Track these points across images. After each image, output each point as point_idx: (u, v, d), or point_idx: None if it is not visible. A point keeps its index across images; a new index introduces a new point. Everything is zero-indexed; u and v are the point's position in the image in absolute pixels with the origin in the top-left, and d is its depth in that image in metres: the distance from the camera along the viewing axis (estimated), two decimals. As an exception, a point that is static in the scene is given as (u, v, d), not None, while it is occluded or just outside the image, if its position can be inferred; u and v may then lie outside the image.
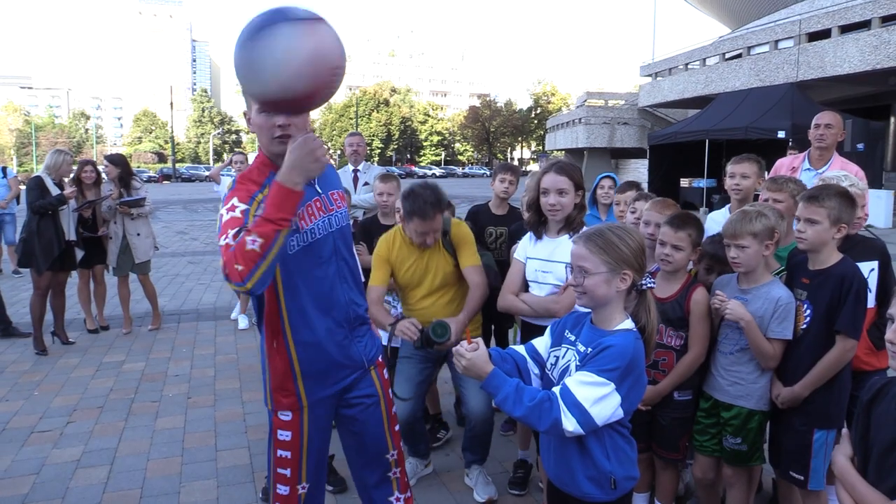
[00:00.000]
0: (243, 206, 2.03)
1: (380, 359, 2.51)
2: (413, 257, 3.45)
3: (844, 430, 1.90)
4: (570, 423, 1.85)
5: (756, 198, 3.51)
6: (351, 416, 2.42)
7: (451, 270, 3.45)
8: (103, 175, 6.77)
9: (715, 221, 3.34)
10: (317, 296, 2.23)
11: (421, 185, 3.28)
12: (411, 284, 3.50)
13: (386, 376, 2.55)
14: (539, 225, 3.12)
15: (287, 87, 1.86)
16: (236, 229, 1.97)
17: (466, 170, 79.17)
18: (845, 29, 22.50)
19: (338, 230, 2.30)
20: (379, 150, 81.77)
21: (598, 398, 1.85)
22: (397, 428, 2.55)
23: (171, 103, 61.50)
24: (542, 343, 2.19)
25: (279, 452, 2.32)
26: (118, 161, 6.80)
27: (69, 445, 4.19)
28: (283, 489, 2.33)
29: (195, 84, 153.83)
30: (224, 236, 1.98)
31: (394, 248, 3.47)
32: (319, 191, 2.26)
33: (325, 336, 2.26)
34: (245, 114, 2.20)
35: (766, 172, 3.93)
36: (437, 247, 3.42)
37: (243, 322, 7.09)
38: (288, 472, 2.32)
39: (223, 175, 7.67)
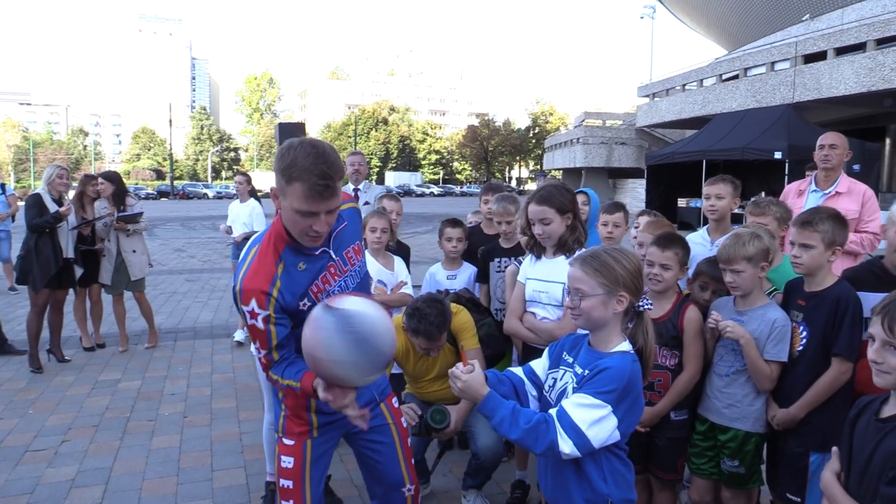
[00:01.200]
0: (263, 314, 2.11)
1: (389, 392, 2.55)
2: (418, 355, 3.47)
3: (834, 448, 1.92)
4: (566, 446, 1.85)
5: (735, 218, 3.57)
6: (366, 449, 2.47)
7: (454, 359, 3.44)
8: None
9: (694, 243, 3.34)
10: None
11: (427, 302, 3.24)
12: (419, 375, 3.56)
13: (396, 405, 2.58)
14: (535, 246, 3.14)
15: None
16: (265, 351, 2.16)
17: (464, 188, 79.34)
18: (841, 51, 22.73)
19: (355, 288, 2.33)
20: (377, 169, 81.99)
21: (595, 420, 1.85)
22: (413, 461, 2.57)
23: (170, 120, 61.69)
24: (539, 365, 2.19)
25: (282, 482, 2.34)
26: (114, 178, 6.82)
27: (64, 465, 4.16)
28: None
29: (194, 101, 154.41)
30: (255, 346, 2.19)
31: (397, 344, 3.49)
32: (334, 256, 2.26)
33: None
34: (273, 190, 2.12)
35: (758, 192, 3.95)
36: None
37: (240, 335, 7.08)
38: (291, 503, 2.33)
39: (234, 202, 7.54)
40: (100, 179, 6.74)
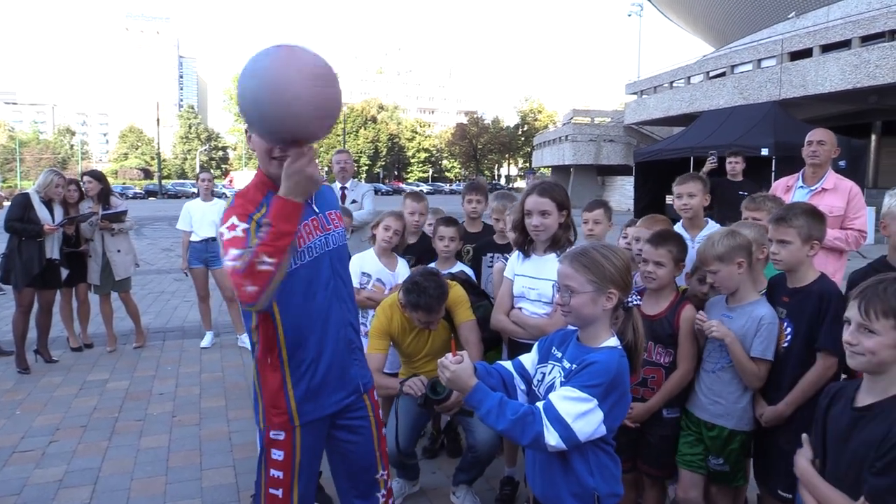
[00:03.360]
0: (244, 225, 2.07)
1: (372, 385, 2.55)
2: (414, 331, 3.50)
3: (805, 435, 1.95)
4: (552, 438, 1.86)
5: (706, 210, 3.71)
6: (342, 438, 2.44)
7: (447, 334, 3.48)
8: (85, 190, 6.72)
9: None
10: (313, 314, 2.24)
11: (424, 276, 3.27)
12: (413, 354, 3.59)
13: (376, 398, 2.57)
14: (526, 244, 3.15)
15: (289, 132, 1.94)
16: (240, 250, 1.99)
17: (454, 187, 79.37)
18: (826, 48, 22.89)
19: (334, 249, 2.32)
20: (366, 168, 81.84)
21: (581, 413, 1.86)
22: (386, 448, 2.57)
23: (158, 119, 61.22)
24: (528, 359, 2.21)
25: (272, 472, 2.32)
26: (100, 177, 6.77)
27: (52, 465, 4.13)
28: None
29: (182, 100, 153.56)
30: (227, 256, 2.00)
31: (393, 321, 3.50)
32: (317, 210, 2.28)
33: (319, 355, 2.28)
34: (246, 131, 2.25)
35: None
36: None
37: (207, 340, 7.04)
38: (280, 492, 2.31)
39: (195, 202, 7.29)
40: (85, 178, 6.69)
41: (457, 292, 3.51)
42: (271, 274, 1.94)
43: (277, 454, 2.32)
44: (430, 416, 3.71)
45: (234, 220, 2.08)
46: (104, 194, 6.67)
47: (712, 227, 3.61)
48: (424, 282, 3.22)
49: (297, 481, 2.33)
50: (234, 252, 2.00)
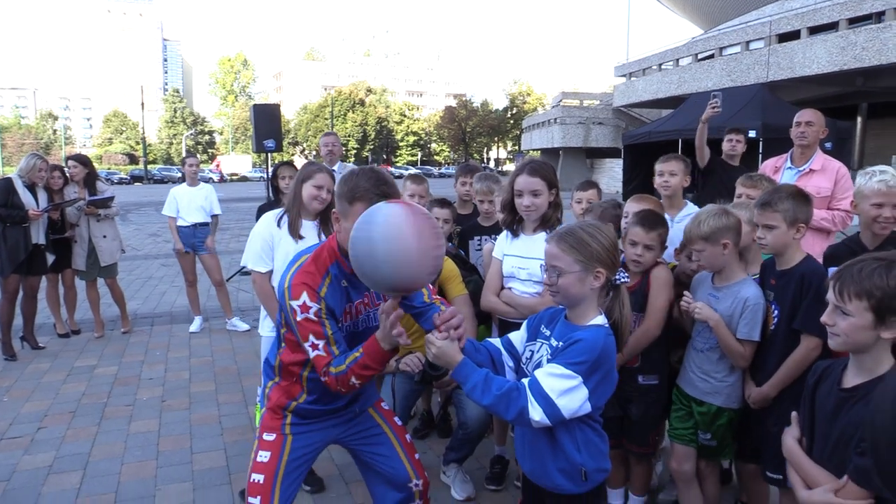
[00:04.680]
0: (316, 307, 2.14)
1: (377, 398, 2.61)
2: None
3: (794, 414, 1.97)
4: (536, 413, 1.88)
5: (688, 190, 3.75)
6: (365, 457, 2.52)
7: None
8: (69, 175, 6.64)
9: None
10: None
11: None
12: (405, 328, 3.55)
13: (386, 408, 2.63)
14: (515, 224, 3.14)
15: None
16: (323, 341, 2.14)
17: (443, 170, 79.14)
18: (814, 30, 22.91)
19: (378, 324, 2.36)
20: (355, 151, 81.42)
21: (565, 390, 1.88)
22: (417, 456, 2.58)
23: (142, 103, 60.56)
24: (517, 337, 2.22)
25: (253, 477, 2.33)
26: (85, 161, 6.70)
27: (40, 451, 4.12)
28: None
29: (167, 84, 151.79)
30: (307, 339, 2.15)
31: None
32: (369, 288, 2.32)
33: (329, 408, 2.41)
34: (334, 213, 2.28)
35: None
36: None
37: (196, 325, 7.02)
38: (258, 501, 2.30)
39: (181, 187, 7.16)
40: (70, 162, 6.61)
41: (448, 266, 3.51)
42: (356, 388, 2.16)
43: (263, 455, 2.34)
44: (420, 394, 3.73)
45: (305, 298, 2.14)
46: (90, 179, 6.60)
47: (690, 208, 3.64)
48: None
49: (279, 488, 2.32)
50: (314, 340, 2.15)
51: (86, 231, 6.56)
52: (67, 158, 6.82)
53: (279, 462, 2.32)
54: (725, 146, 5.69)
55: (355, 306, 2.29)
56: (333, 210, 2.26)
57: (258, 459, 2.34)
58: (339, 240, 2.25)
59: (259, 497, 2.29)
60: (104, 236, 6.65)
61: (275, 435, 2.34)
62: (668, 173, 3.64)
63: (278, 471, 2.31)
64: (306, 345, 2.14)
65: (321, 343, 2.14)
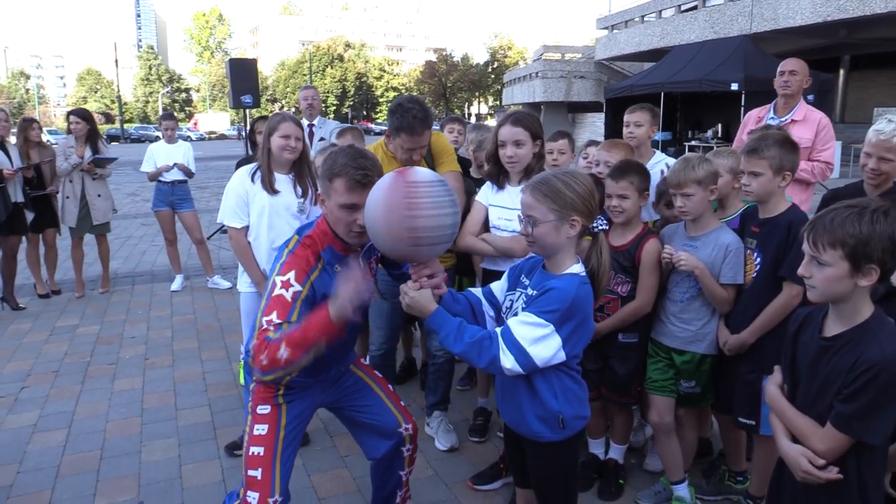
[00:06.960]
0: (297, 288, 2.11)
1: (355, 357, 2.63)
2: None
3: (777, 367, 1.99)
4: (507, 361, 1.90)
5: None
6: (353, 411, 2.54)
7: None
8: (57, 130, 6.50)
9: None
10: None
11: (408, 100, 3.22)
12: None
13: (365, 361, 2.67)
14: (499, 176, 3.13)
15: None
16: (280, 322, 2.04)
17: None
18: (797, -20, 22.66)
19: None
20: (335, 107, 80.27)
21: (537, 339, 1.90)
22: (403, 403, 2.61)
23: (116, 61, 58.95)
24: (498, 287, 2.23)
25: (252, 450, 2.30)
26: (87, 116, 6.54)
27: (25, 410, 4.13)
28: (252, 497, 2.26)
29: (141, 41, 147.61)
30: (266, 315, 2.06)
31: None
32: (362, 264, 2.32)
33: (314, 377, 2.39)
34: (319, 196, 2.29)
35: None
36: (419, 161, 3.39)
37: (177, 283, 6.99)
38: (259, 473, 2.27)
39: (158, 144, 7.03)
40: (71, 118, 6.45)
41: (443, 141, 3.48)
42: (283, 363, 1.98)
43: (261, 429, 2.33)
44: (403, 316, 3.66)
45: (291, 276, 2.12)
46: (92, 135, 6.46)
47: (658, 156, 3.64)
48: (408, 104, 3.17)
49: (280, 458, 2.30)
50: (275, 318, 2.05)
51: (79, 188, 6.45)
52: (69, 113, 6.65)
53: (277, 433, 2.32)
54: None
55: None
56: (318, 193, 2.27)
57: (255, 433, 2.32)
58: (329, 221, 2.25)
59: (260, 469, 2.27)
60: (98, 195, 6.56)
61: (269, 407, 2.33)
62: (634, 124, 3.62)
63: (277, 442, 2.31)
64: (265, 318, 2.06)
65: (277, 321, 2.05)
